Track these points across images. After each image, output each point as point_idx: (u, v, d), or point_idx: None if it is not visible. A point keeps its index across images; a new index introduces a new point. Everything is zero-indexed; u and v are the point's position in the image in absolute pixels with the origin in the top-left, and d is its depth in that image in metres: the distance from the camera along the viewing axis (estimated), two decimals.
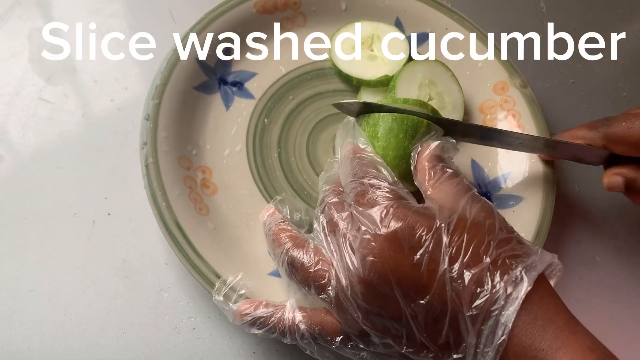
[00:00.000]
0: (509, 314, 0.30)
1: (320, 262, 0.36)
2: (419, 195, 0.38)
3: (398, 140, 0.42)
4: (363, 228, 0.34)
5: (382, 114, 0.43)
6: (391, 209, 0.34)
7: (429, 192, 0.38)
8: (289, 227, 0.41)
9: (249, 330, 0.38)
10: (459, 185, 0.37)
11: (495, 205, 0.48)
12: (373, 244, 0.33)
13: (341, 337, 0.36)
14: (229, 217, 0.46)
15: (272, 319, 0.38)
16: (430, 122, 0.42)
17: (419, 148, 0.41)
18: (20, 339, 0.42)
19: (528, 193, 0.49)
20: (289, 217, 0.43)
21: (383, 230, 0.33)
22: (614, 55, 0.61)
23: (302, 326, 0.37)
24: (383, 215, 0.33)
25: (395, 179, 0.38)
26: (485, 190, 0.50)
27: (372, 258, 0.32)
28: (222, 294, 0.40)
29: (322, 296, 0.36)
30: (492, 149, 0.51)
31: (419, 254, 0.32)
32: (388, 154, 0.42)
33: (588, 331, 0.32)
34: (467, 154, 0.51)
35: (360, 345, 0.36)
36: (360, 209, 0.35)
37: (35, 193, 0.46)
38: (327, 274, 0.35)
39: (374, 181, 0.36)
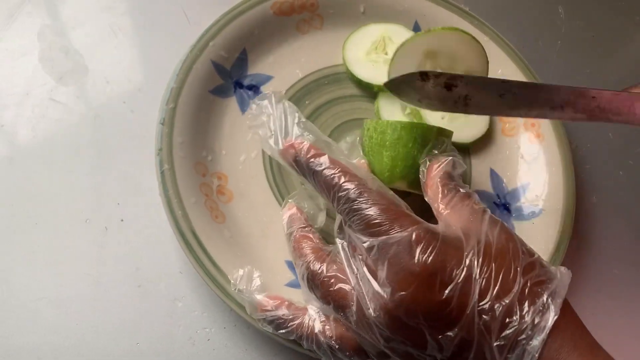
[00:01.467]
0: (537, 343, 0.30)
1: (341, 282, 0.35)
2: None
3: (407, 150, 0.41)
4: (390, 257, 0.32)
5: (390, 121, 0.42)
6: (417, 238, 0.32)
7: (443, 212, 0.37)
8: (311, 235, 0.40)
9: (264, 327, 0.38)
10: (475, 207, 0.36)
11: (514, 217, 0.48)
12: (403, 278, 0.32)
13: (360, 354, 0.36)
14: (245, 225, 0.45)
15: (292, 323, 0.37)
16: (440, 132, 0.41)
17: (428, 162, 0.40)
18: (30, 348, 0.41)
19: (548, 205, 0.48)
20: (309, 212, 0.42)
21: (413, 264, 0.32)
22: (632, 64, 0.60)
23: (321, 337, 0.36)
24: (409, 246, 0.32)
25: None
26: (504, 200, 0.49)
27: (402, 293, 0.31)
28: (242, 284, 0.40)
29: (341, 315, 0.35)
30: (512, 159, 0.51)
31: (449, 288, 0.31)
32: (397, 165, 0.42)
33: (609, 355, 0.31)
34: (486, 163, 0.51)
35: None
36: (382, 238, 0.33)
37: (46, 197, 0.45)
38: (347, 295, 0.34)
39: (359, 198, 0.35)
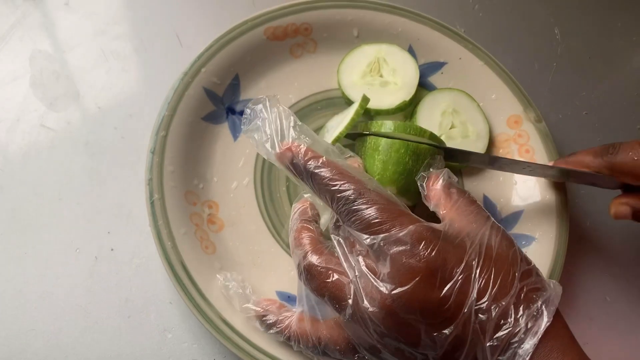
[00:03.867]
0: (528, 347, 0.31)
1: (338, 274, 0.35)
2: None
3: (399, 156, 0.42)
4: (392, 253, 0.33)
5: (386, 126, 0.43)
6: (419, 235, 0.33)
7: (446, 214, 0.38)
8: (312, 227, 0.40)
9: (256, 324, 0.40)
10: (478, 212, 0.37)
11: None
12: (404, 273, 0.32)
13: (348, 349, 0.36)
14: (236, 255, 0.45)
15: (281, 324, 0.38)
16: (434, 152, 0.43)
17: (426, 178, 0.41)
18: None
19: (541, 233, 0.48)
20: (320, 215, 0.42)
21: (415, 261, 0.32)
22: (628, 86, 0.60)
23: (309, 335, 0.37)
24: (411, 243, 0.33)
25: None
26: None
27: (402, 288, 0.32)
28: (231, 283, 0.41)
29: (336, 308, 0.35)
30: (506, 185, 0.50)
31: (448, 286, 0.32)
32: (387, 168, 0.42)
33: None
34: (480, 189, 0.50)
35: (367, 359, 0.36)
36: (383, 235, 0.33)
37: (36, 226, 0.45)
38: (344, 288, 0.34)
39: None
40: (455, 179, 0.41)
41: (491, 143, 0.52)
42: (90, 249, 0.44)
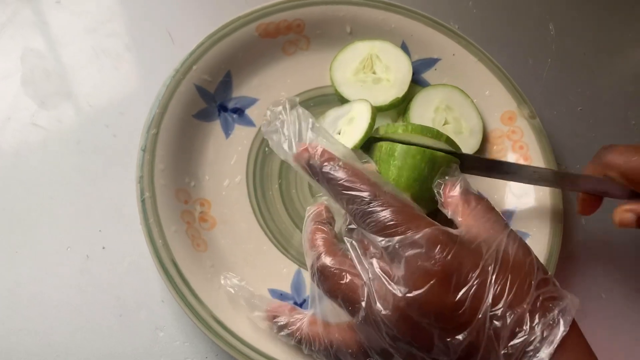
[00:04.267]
0: (543, 356, 0.31)
1: (351, 276, 0.35)
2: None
3: (415, 162, 0.42)
4: (408, 255, 0.32)
5: (402, 130, 0.43)
6: (434, 238, 0.33)
7: (464, 221, 0.37)
8: (326, 229, 0.39)
9: (270, 328, 0.40)
10: (496, 219, 0.37)
11: None
12: (419, 277, 0.32)
13: (360, 352, 0.36)
14: (227, 253, 0.45)
15: (292, 326, 0.38)
16: (451, 159, 0.42)
17: (442, 185, 0.41)
18: None
19: (535, 229, 0.48)
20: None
21: (430, 264, 0.32)
22: (623, 82, 0.59)
23: (321, 338, 0.37)
24: (427, 246, 0.32)
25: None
26: None
27: (417, 292, 0.32)
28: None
29: (349, 310, 0.35)
30: (500, 182, 0.50)
31: (463, 290, 0.32)
32: (402, 175, 0.42)
33: None
34: (473, 187, 0.49)
35: None
36: (399, 237, 0.33)
37: (27, 225, 0.44)
38: (358, 290, 0.34)
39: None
40: (470, 186, 0.41)
41: (485, 139, 0.51)
42: (81, 248, 0.44)
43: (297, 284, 0.45)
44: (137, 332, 0.43)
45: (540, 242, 0.47)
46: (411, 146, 0.42)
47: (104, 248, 0.44)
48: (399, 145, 0.42)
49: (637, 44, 0.62)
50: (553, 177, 0.45)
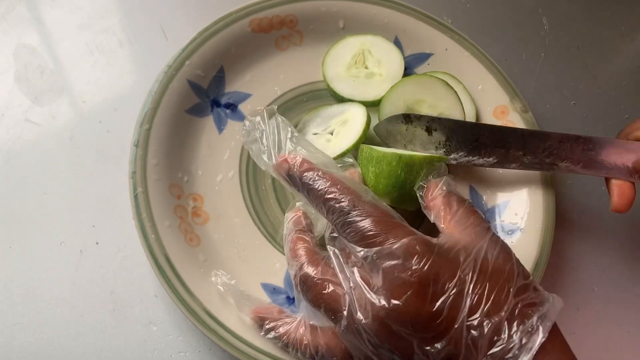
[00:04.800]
0: None
1: (334, 286, 0.35)
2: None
3: (391, 169, 0.41)
4: (385, 266, 0.33)
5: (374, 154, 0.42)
6: (411, 249, 0.33)
7: (446, 227, 0.37)
8: (307, 238, 0.40)
9: (259, 327, 0.40)
10: (478, 223, 0.37)
11: None
12: (397, 287, 0.32)
13: (345, 359, 0.36)
14: (221, 248, 0.45)
15: (280, 329, 0.38)
16: (430, 160, 0.41)
17: (425, 187, 0.40)
18: None
19: (527, 223, 0.48)
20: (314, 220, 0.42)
21: (407, 275, 0.32)
22: (617, 76, 0.60)
23: (307, 344, 0.37)
24: (404, 257, 0.33)
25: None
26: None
27: (395, 302, 0.32)
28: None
29: (332, 319, 0.35)
30: (492, 176, 0.50)
31: (440, 301, 0.32)
32: (380, 182, 0.42)
33: None
34: (466, 180, 0.50)
35: None
36: (376, 249, 0.33)
37: (21, 220, 0.45)
38: (340, 300, 0.34)
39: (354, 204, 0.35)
40: (455, 186, 0.41)
41: None
42: (75, 243, 0.44)
43: (290, 279, 0.45)
44: (130, 326, 0.43)
45: (532, 236, 0.47)
46: (387, 153, 0.41)
47: (97, 243, 0.45)
48: (376, 151, 0.42)
49: (630, 38, 0.62)
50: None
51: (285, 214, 0.43)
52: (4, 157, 0.46)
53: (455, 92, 0.48)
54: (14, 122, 0.47)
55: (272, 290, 0.44)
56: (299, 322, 0.38)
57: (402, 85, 0.48)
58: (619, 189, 0.42)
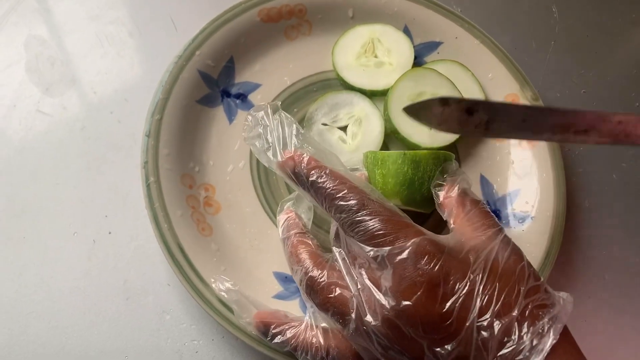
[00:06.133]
0: None
1: (341, 289, 0.35)
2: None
3: (397, 167, 0.41)
4: (395, 267, 0.32)
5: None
6: (422, 249, 0.32)
7: (457, 226, 0.37)
8: (308, 241, 0.39)
9: (253, 332, 0.39)
10: (490, 225, 0.36)
11: (504, 223, 0.48)
12: (406, 287, 0.32)
13: None
14: (232, 237, 0.45)
15: (288, 332, 0.37)
16: (436, 156, 0.41)
17: (441, 185, 0.40)
18: None
19: (538, 211, 0.48)
20: (305, 217, 0.42)
21: (417, 275, 0.32)
22: (627, 64, 0.59)
23: (318, 346, 0.36)
24: (414, 257, 0.32)
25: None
26: (494, 207, 0.49)
27: (404, 303, 0.31)
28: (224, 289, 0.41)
29: (340, 322, 0.35)
30: (503, 164, 0.50)
31: (450, 301, 0.32)
32: (388, 182, 0.41)
33: None
34: (476, 169, 0.50)
35: None
36: (387, 248, 0.33)
37: (34, 211, 0.45)
38: (347, 302, 0.34)
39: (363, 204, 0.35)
40: (470, 185, 0.40)
41: None
42: (88, 233, 0.45)
43: None
44: (143, 315, 0.43)
45: (543, 223, 0.47)
46: (391, 152, 0.41)
47: (110, 233, 0.45)
48: (380, 153, 0.42)
49: None
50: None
51: (277, 217, 0.43)
52: (16, 148, 0.46)
53: (448, 78, 0.49)
54: (26, 113, 0.47)
55: (283, 278, 0.44)
56: (307, 324, 0.38)
57: (401, 83, 0.48)
58: None
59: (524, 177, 0.50)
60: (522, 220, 0.48)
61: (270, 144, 0.39)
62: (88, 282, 0.43)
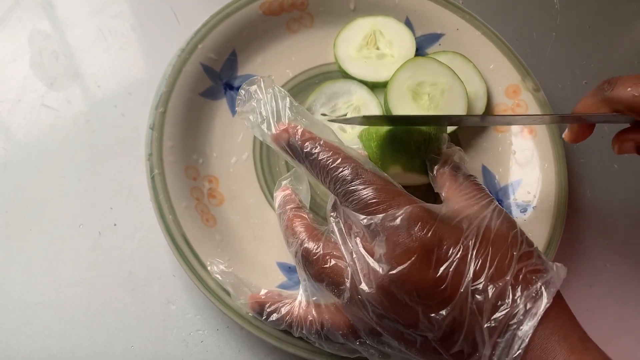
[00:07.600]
0: (527, 329, 0.31)
1: (335, 259, 0.35)
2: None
3: (391, 132, 0.42)
4: (388, 233, 0.33)
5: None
6: (415, 216, 0.33)
7: (449, 196, 0.38)
8: (304, 215, 0.40)
9: (250, 313, 0.39)
10: (481, 196, 0.37)
11: None
12: (400, 253, 0.32)
13: (350, 333, 0.36)
14: (236, 228, 0.45)
15: (283, 309, 0.38)
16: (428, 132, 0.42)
17: (434, 159, 0.41)
18: (27, 352, 0.42)
19: (540, 201, 0.48)
20: (303, 196, 0.42)
21: (411, 241, 0.32)
22: (628, 55, 0.59)
23: (312, 320, 0.37)
24: (407, 223, 0.33)
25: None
26: (496, 197, 0.49)
27: (398, 268, 0.32)
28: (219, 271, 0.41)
29: (335, 292, 0.35)
30: (504, 155, 0.50)
31: (444, 266, 0.32)
32: (385, 150, 0.42)
33: (599, 348, 0.32)
34: (478, 159, 0.50)
35: (369, 343, 0.36)
36: (380, 216, 0.33)
37: (40, 203, 0.45)
38: (342, 272, 0.35)
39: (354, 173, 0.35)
40: (465, 161, 0.41)
41: (490, 113, 0.52)
42: (93, 225, 0.45)
43: None
44: (149, 305, 0.44)
45: (545, 213, 0.47)
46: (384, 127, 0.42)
47: (115, 225, 0.45)
48: (373, 128, 0.42)
49: None
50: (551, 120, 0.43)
51: (274, 194, 0.43)
52: (22, 142, 0.47)
53: (448, 66, 0.49)
54: (31, 107, 0.48)
55: (287, 269, 0.45)
56: (300, 300, 0.38)
57: (400, 73, 0.48)
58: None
59: (525, 167, 0.50)
60: (524, 210, 0.48)
61: (264, 118, 0.39)
62: (94, 273, 0.44)
